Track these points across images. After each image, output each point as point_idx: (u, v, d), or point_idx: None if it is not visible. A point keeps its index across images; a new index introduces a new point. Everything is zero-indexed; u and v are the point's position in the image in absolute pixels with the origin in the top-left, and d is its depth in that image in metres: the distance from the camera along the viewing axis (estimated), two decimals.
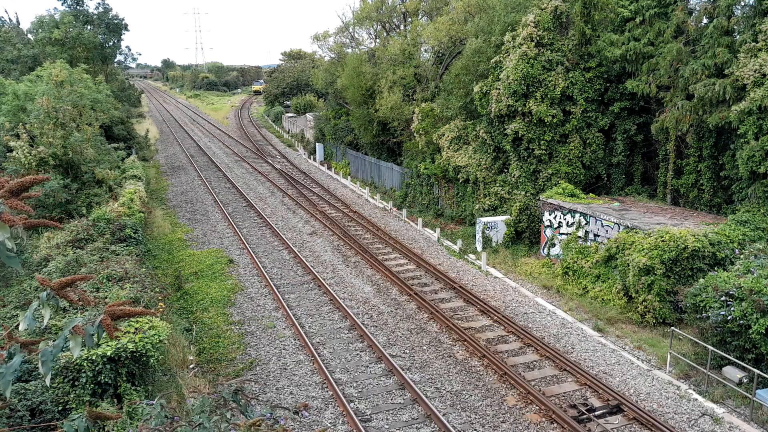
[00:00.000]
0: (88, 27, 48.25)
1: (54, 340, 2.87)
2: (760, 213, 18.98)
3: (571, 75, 24.98)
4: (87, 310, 12.17)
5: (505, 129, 25.68)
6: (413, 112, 32.74)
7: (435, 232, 27.88)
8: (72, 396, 11.10)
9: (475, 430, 12.98)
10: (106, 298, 14.47)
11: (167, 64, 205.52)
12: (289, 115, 70.03)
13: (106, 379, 11.39)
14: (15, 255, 2.56)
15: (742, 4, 20.60)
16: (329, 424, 13.14)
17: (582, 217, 22.14)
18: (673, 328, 15.90)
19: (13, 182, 2.58)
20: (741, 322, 14.07)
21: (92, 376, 11.28)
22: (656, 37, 23.23)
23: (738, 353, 14.46)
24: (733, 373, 14.37)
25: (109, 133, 40.41)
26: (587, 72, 25.20)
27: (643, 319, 17.90)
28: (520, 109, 24.73)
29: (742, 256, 17.01)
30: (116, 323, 2.89)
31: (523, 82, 24.42)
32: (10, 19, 52.43)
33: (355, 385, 14.80)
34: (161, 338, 12.36)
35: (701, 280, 15.82)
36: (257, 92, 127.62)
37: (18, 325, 2.84)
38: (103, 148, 31.53)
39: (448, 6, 36.67)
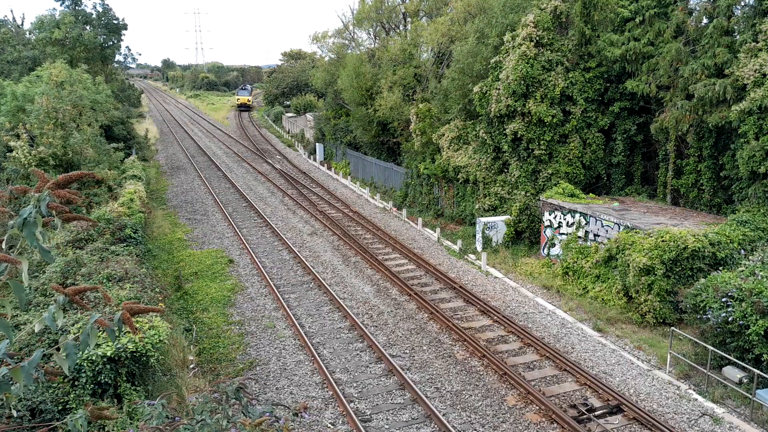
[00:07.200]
0: (88, 27, 48.22)
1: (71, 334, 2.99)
2: (761, 213, 18.97)
3: (570, 75, 24.97)
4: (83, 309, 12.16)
5: (504, 129, 25.67)
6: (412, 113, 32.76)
7: (435, 232, 27.87)
8: (72, 396, 11.10)
9: (475, 430, 12.98)
10: None
11: (167, 64, 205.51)
12: (289, 115, 70.00)
13: (106, 379, 11.38)
14: (48, 250, 2.69)
15: (742, 4, 20.61)
16: (329, 424, 13.13)
17: (582, 217, 22.13)
18: (673, 328, 15.89)
19: (61, 176, 2.95)
20: (741, 322, 14.07)
21: (92, 376, 11.28)
22: (656, 37, 23.23)
23: (738, 353, 14.45)
24: (733, 373, 14.37)
25: (109, 133, 40.37)
26: (587, 72, 25.20)
27: (643, 319, 17.89)
28: (519, 109, 24.72)
29: (749, 258, 16.88)
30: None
31: (522, 82, 24.42)
32: (14, 18, 52.47)
33: (355, 385, 14.80)
34: (161, 338, 12.36)
35: (701, 281, 15.81)
36: (244, 106, 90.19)
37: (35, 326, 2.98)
38: (102, 148, 31.52)
39: (448, 6, 36.66)
